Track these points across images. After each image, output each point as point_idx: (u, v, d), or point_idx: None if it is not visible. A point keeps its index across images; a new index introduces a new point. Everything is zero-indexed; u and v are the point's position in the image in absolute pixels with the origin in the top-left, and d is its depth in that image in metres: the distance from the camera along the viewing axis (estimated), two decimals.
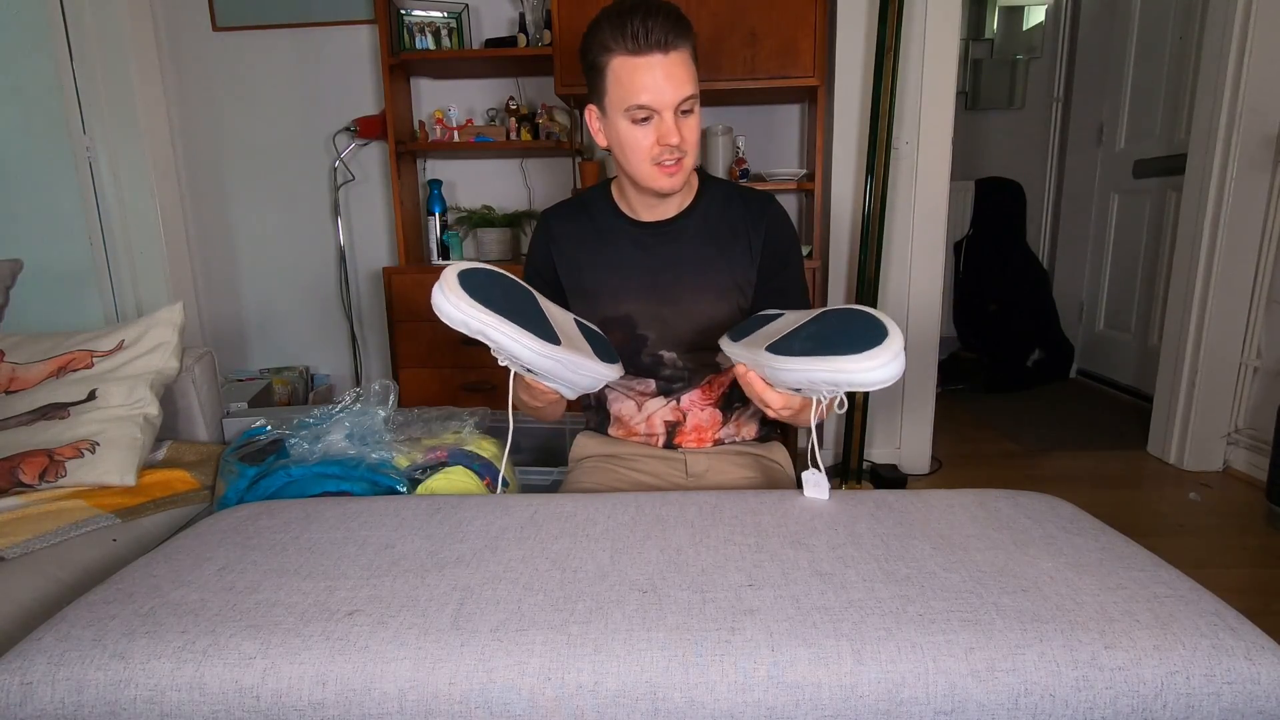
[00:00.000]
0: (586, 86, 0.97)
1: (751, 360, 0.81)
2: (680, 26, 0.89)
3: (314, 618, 0.61)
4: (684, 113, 0.92)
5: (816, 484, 0.85)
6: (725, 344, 0.91)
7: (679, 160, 0.93)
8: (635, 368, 1.06)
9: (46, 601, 0.88)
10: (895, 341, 0.70)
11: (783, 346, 0.78)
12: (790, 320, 0.84)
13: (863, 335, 0.72)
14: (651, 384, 1.08)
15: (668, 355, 1.05)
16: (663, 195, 0.98)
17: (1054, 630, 0.57)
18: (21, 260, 1.49)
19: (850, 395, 2.13)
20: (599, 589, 0.65)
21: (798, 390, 0.78)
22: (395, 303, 2.18)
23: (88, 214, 2.33)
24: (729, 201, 1.05)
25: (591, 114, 0.98)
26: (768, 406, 0.82)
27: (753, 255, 1.03)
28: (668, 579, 0.66)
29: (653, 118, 0.91)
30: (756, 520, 0.78)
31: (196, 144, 2.54)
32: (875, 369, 0.69)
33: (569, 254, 1.06)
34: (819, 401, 0.78)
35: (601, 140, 0.98)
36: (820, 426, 2.38)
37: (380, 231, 2.59)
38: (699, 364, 1.06)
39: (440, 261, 2.32)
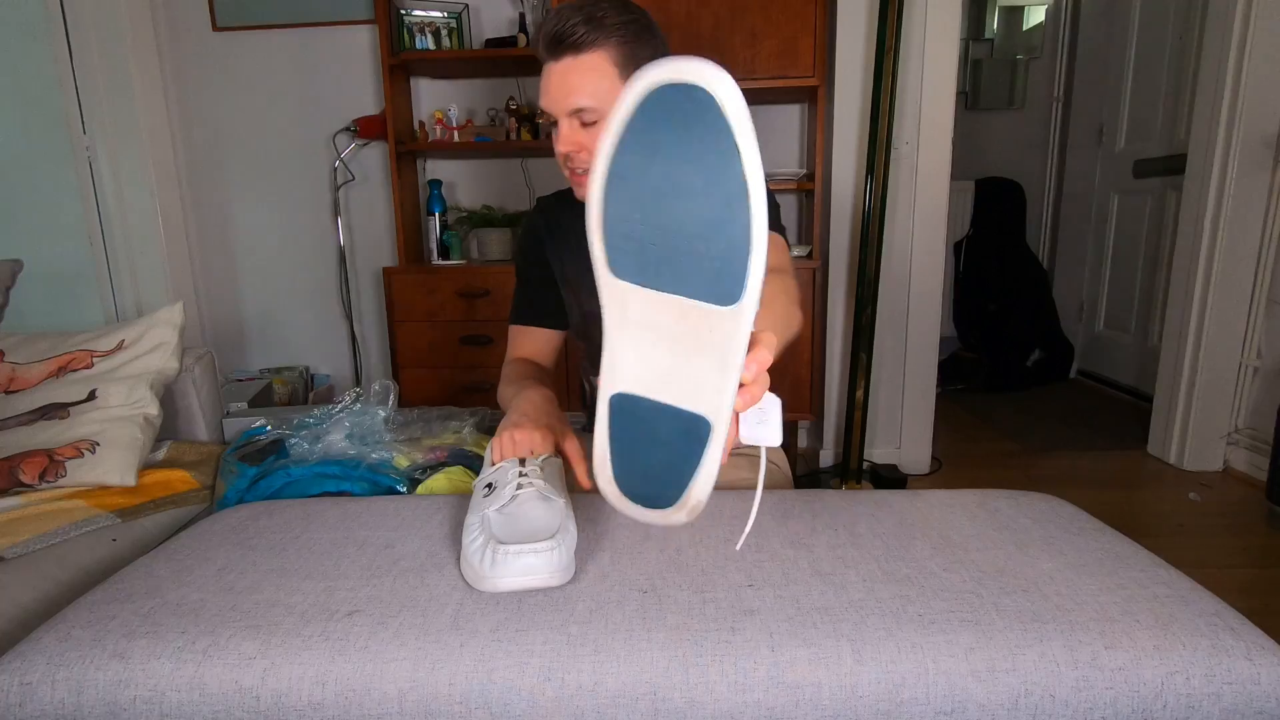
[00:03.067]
0: None
1: None
2: (589, 30, 0.82)
3: (314, 618, 0.61)
4: (585, 123, 0.85)
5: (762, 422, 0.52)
6: None
7: (586, 170, 0.88)
8: None
9: (46, 601, 0.88)
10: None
11: None
12: None
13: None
14: None
15: None
16: None
17: (1054, 630, 0.57)
18: (21, 260, 1.49)
19: (852, 391, 2.15)
20: (599, 589, 0.65)
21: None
22: (395, 303, 2.18)
23: (88, 214, 2.32)
24: None
25: None
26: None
27: None
28: (668, 579, 0.66)
29: (558, 123, 0.87)
30: (756, 520, 0.78)
31: (196, 144, 2.53)
32: None
33: (557, 240, 1.07)
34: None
35: None
36: (820, 421, 2.39)
37: (380, 231, 2.58)
38: None
39: (440, 261, 2.32)
